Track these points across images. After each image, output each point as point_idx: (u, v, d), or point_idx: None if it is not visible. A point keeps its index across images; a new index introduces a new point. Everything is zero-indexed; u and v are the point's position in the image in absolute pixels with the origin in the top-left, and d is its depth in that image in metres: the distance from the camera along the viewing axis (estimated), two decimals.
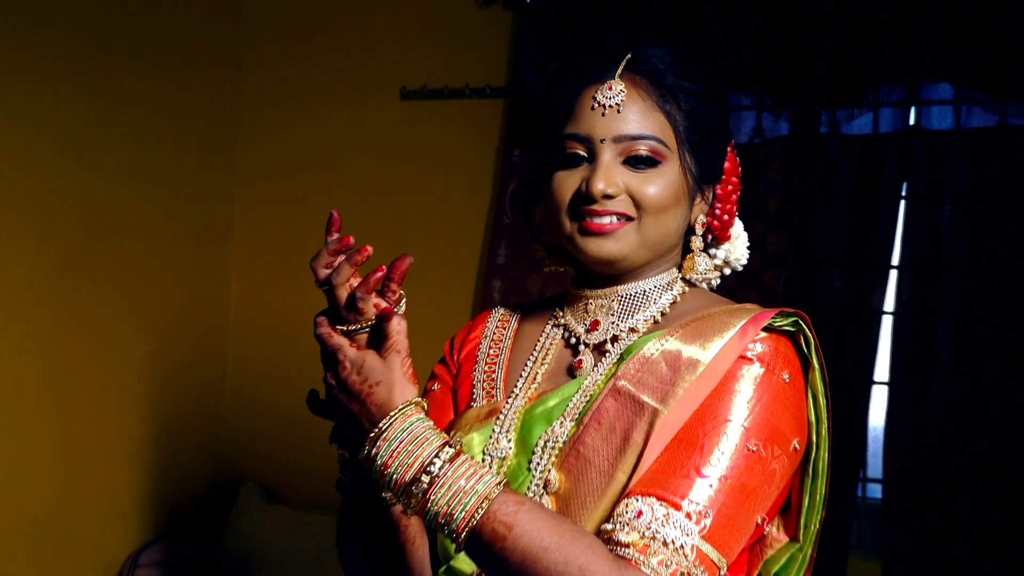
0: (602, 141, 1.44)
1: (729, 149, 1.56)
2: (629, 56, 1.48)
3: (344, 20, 3.82)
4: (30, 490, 3.06)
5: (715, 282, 1.58)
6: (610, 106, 1.44)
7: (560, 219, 1.48)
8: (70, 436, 3.19)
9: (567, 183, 1.47)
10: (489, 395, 1.55)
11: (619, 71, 1.47)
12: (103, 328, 3.30)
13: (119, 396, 3.38)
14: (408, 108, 3.73)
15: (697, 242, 1.53)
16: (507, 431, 1.47)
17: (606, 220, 1.44)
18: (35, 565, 3.08)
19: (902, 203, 3.14)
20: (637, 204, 1.44)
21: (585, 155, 1.46)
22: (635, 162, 1.44)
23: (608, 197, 1.43)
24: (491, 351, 1.61)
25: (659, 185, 1.44)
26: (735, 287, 1.61)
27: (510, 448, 1.45)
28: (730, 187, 1.55)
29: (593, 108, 1.46)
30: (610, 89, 1.45)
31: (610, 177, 1.43)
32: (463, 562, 1.43)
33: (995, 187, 3.04)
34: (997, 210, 3.03)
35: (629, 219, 1.44)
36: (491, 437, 1.47)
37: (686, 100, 1.46)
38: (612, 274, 1.50)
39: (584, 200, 1.44)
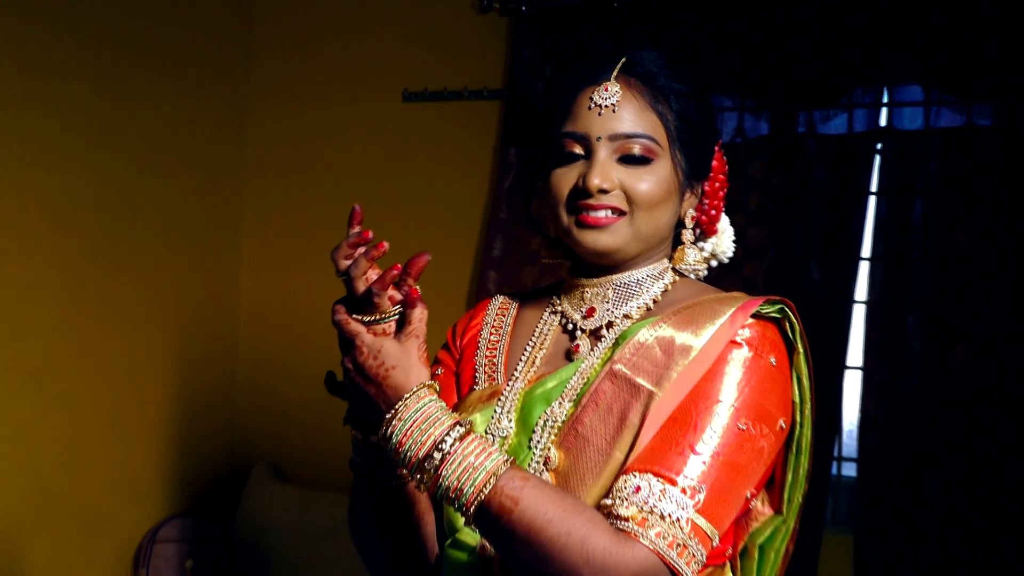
0: (598, 139, 1.44)
1: (717, 148, 1.55)
2: (624, 60, 1.48)
3: (350, 26, 3.81)
4: (57, 470, 3.06)
5: (703, 273, 1.57)
6: (606, 106, 1.44)
7: (558, 212, 1.47)
8: (92, 420, 3.19)
9: (565, 179, 1.46)
10: (491, 378, 1.55)
11: (614, 73, 1.46)
12: (122, 318, 3.30)
13: (138, 382, 3.38)
14: (410, 109, 3.73)
15: (688, 235, 1.53)
16: (508, 412, 1.47)
17: (601, 214, 1.43)
18: (62, 539, 3.08)
19: (875, 199, 3.15)
20: (630, 200, 1.43)
21: (582, 152, 1.46)
22: (629, 159, 1.44)
23: (603, 192, 1.42)
24: (492, 337, 1.61)
25: (650, 182, 1.44)
26: (718, 277, 1.62)
27: (511, 428, 1.45)
28: (717, 184, 1.55)
29: (590, 108, 1.45)
30: (606, 90, 1.45)
31: (605, 173, 1.43)
32: (468, 535, 1.43)
33: (962, 184, 3.05)
34: (964, 206, 3.04)
35: (622, 213, 1.44)
36: (493, 417, 1.47)
37: (677, 101, 1.46)
38: (607, 264, 1.50)
39: (581, 195, 1.44)
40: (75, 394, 3.13)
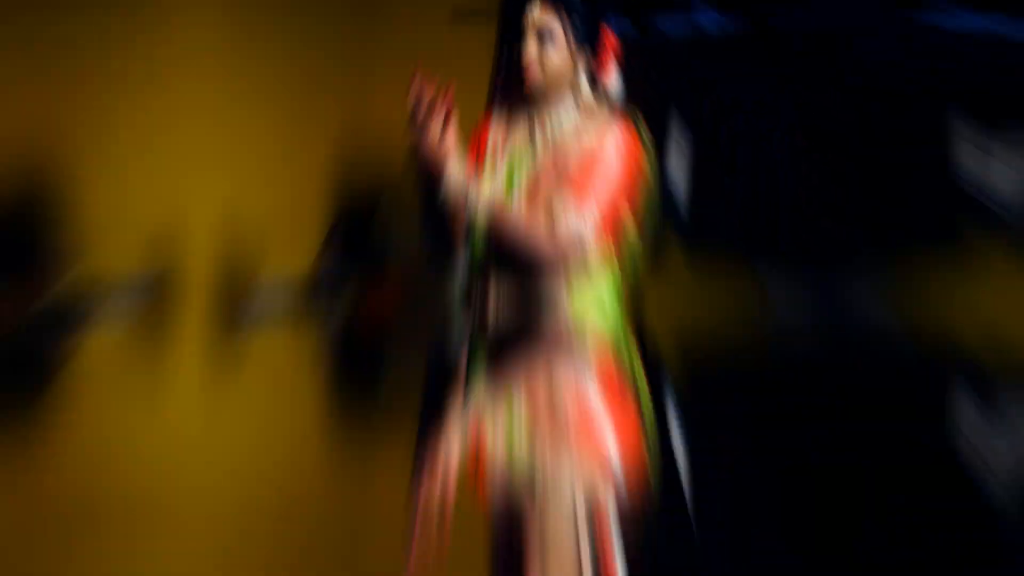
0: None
1: (609, 32, 2.00)
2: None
3: None
4: None
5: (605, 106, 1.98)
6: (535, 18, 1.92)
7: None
8: None
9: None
10: (493, 165, 1.99)
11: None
12: None
13: None
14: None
15: (582, 77, 1.96)
16: (500, 180, 1.96)
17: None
18: None
19: None
20: (543, 62, 1.89)
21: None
22: (542, 39, 1.91)
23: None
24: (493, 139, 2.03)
25: (553, 52, 1.91)
26: None
27: (502, 188, 1.95)
28: (606, 52, 1.99)
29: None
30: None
31: (530, 51, 1.90)
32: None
33: None
34: None
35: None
36: (493, 182, 1.96)
37: (568, 9, 1.95)
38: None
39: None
40: None
